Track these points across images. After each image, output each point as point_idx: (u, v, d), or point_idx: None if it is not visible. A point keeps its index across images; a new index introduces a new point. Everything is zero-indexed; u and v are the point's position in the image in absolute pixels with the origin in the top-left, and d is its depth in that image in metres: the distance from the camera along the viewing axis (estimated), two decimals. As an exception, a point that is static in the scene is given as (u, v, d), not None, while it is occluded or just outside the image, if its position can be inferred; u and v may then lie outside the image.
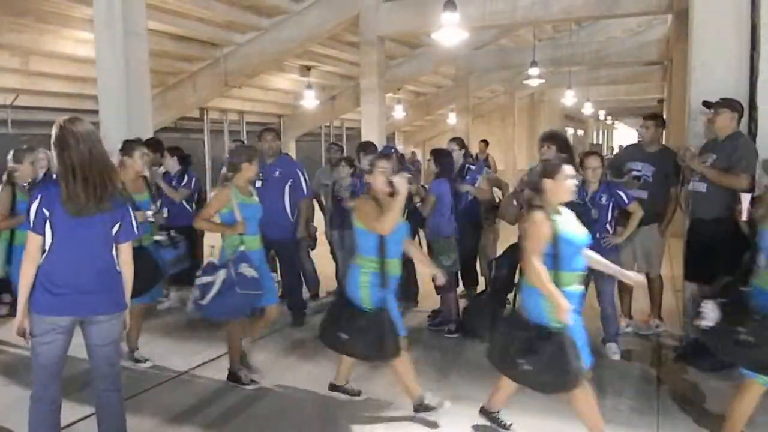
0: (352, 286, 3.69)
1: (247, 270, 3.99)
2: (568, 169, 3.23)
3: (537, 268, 3.10)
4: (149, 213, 4.49)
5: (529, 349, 3.08)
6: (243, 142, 7.80)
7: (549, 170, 3.25)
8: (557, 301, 3.06)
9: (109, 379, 2.91)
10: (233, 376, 4.27)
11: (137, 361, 4.59)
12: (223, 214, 4.10)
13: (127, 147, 4.52)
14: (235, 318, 4.17)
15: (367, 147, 5.95)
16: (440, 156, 5.42)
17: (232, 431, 3.67)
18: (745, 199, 4.16)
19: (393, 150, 6.33)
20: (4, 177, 4.86)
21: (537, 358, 3.05)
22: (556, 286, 3.08)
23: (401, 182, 3.56)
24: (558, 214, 3.21)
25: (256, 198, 4.26)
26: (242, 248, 4.05)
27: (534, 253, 3.13)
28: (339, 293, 4.16)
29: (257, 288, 4.03)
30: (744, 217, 4.17)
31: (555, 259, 3.13)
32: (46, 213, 2.71)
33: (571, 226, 3.25)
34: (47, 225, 2.72)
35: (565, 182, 3.21)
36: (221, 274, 3.94)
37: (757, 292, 3.17)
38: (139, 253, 4.18)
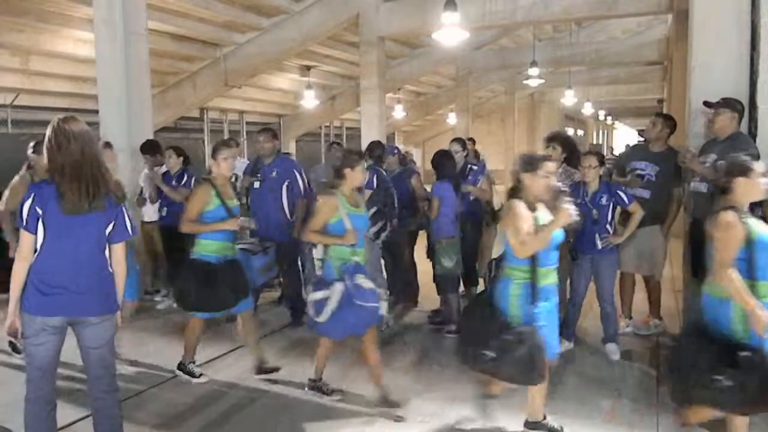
0: (501, 299, 3.31)
1: (364, 281, 3.68)
2: (759, 166, 2.97)
3: (733, 278, 2.77)
4: (244, 219, 4.24)
5: (730, 363, 2.76)
6: (236, 142, 7.77)
7: (741, 168, 2.94)
8: (757, 316, 2.75)
9: (103, 381, 2.88)
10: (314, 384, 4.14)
11: (191, 374, 4.34)
12: (331, 224, 3.79)
13: (214, 150, 4.24)
14: (356, 334, 3.82)
15: (375, 147, 5.95)
16: (440, 158, 5.42)
17: (232, 431, 3.67)
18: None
19: (396, 150, 6.34)
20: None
21: (739, 374, 2.74)
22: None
23: (568, 208, 3.15)
24: (747, 215, 2.90)
25: (364, 208, 4.03)
26: (356, 259, 3.76)
27: (727, 261, 2.80)
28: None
29: (376, 300, 3.70)
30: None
31: (750, 266, 2.81)
32: (39, 211, 2.70)
33: (764, 228, 2.91)
34: (39, 223, 2.70)
35: (759, 180, 2.93)
36: (338, 288, 3.64)
37: None
38: (231, 265, 4.05)
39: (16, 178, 4.66)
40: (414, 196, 5.89)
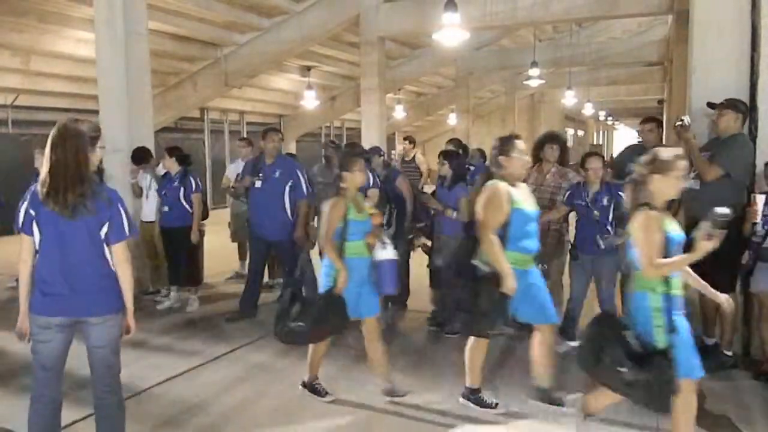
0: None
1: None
2: None
3: None
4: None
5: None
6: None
7: None
8: None
9: (106, 381, 2.89)
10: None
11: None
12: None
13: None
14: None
15: (356, 147, 5.94)
16: (451, 158, 5.40)
17: (232, 431, 3.67)
18: (761, 200, 4.11)
19: (382, 151, 6.33)
20: None
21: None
22: None
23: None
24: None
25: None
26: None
27: None
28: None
29: None
30: (758, 218, 4.12)
31: None
32: (33, 213, 2.73)
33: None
34: (34, 225, 2.73)
35: None
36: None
37: None
38: None
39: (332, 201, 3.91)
40: (405, 198, 5.81)
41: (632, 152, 5.59)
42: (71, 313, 2.76)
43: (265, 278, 6.39)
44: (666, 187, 2.96)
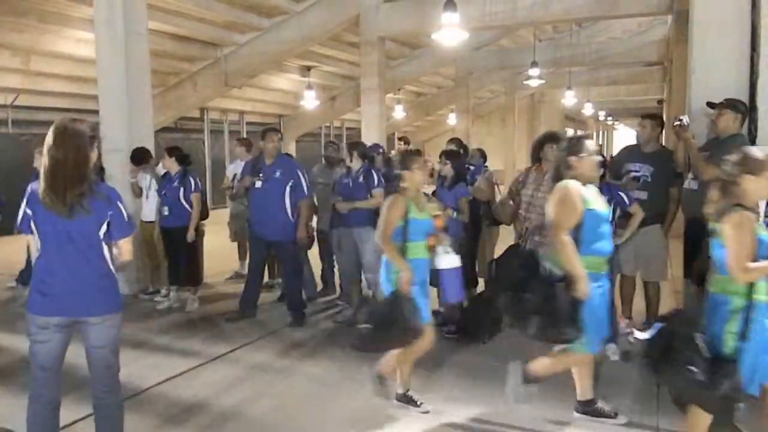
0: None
1: None
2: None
3: None
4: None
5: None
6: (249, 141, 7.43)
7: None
8: None
9: (105, 381, 2.89)
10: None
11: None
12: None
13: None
14: None
15: (360, 145, 5.95)
16: (453, 158, 5.40)
17: (232, 431, 3.67)
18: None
19: (382, 149, 6.33)
20: None
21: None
22: None
23: None
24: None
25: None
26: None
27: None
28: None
29: None
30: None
31: None
32: (30, 213, 2.73)
33: None
34: (32, 225, 2.74)
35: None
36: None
37: None
38: None
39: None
40: None
41: (629, 152, 5.59)
42: (70, 313, 2.76)
43: (265, 278, 6.39)
44: (759, 188, 2.85)
